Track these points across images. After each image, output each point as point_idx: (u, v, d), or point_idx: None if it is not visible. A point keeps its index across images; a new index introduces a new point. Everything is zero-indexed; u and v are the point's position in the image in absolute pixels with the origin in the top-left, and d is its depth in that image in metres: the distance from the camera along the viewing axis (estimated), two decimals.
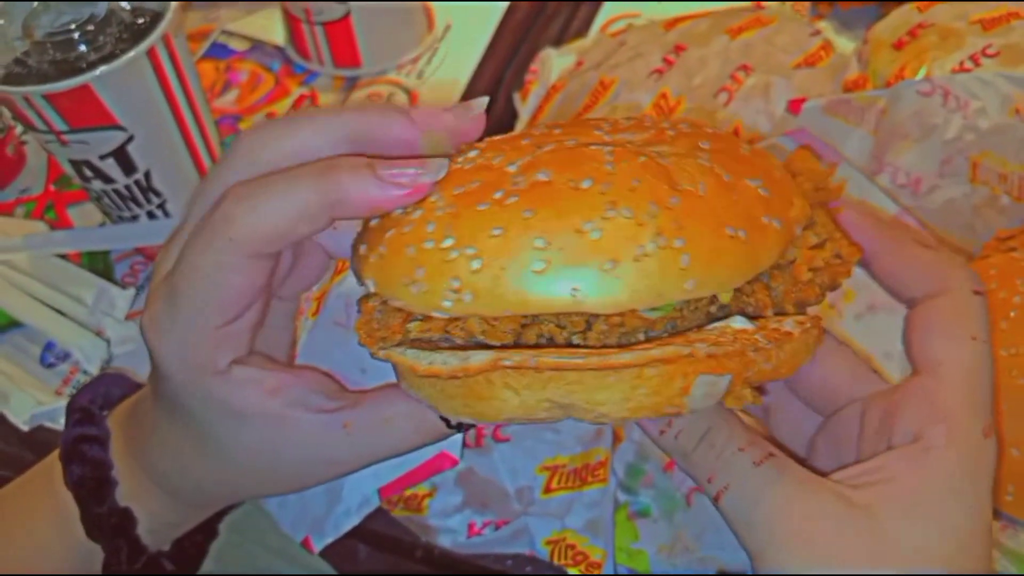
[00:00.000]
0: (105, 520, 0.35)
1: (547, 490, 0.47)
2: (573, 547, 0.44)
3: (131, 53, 0.48)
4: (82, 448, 0.36)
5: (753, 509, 0.29)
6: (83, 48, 0.49)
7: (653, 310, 0.28)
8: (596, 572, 0.44)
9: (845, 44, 0.67)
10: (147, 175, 0.54)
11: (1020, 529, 0.44)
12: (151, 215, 0.56)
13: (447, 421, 0.33)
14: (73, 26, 0.49)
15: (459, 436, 0.37)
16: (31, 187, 0.67)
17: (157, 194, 0.55)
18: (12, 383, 0.53)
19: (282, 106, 0.71)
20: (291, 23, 0.71)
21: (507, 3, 0.76)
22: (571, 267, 0.26)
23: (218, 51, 0.76)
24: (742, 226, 0.27)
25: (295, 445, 0.32)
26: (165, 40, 0.50)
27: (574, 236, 0.26)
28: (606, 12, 0.74)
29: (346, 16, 0.68)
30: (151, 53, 0.49)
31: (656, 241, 0.26)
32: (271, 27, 0.76)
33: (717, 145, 0.30)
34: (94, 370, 0.54)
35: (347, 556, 0.47)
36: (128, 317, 0.57)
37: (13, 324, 0.57)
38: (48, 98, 0.48)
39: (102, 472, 0.35)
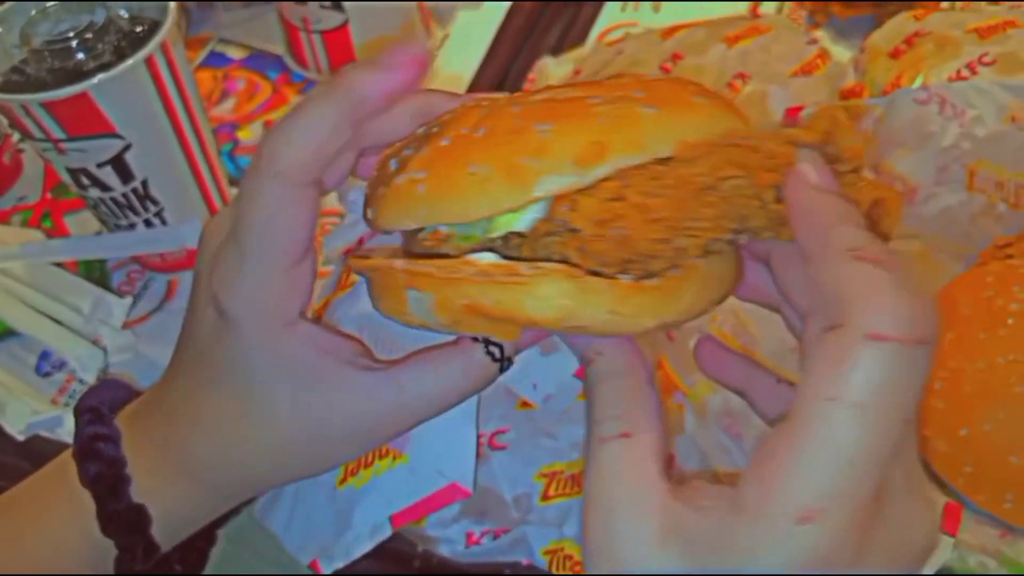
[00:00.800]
0: (122, 516, 0.36)
1: (545, 497, 0.47)
2: (571, 557, 0.44)
3: (129, 61, 0.48)
4: (97, 446, 0.36)
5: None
6: (81, 56, 0.49)
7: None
8: None
9: (842, 53, 0.67)
10: (144, 183, 0.54)
11: (1019, 537, 0.44)
12: (148, 223, 0.56)
13: (492, 355, 0.33)
14: (71, 34, 0.49)
15: (471, 467, 0.39)
16: (28, 195, 0.67)
17: (154, 202, 0.55)
18: (8, 392, 0.53)
19: (279, 115, 0.71)
20: (289, 31, 0.71)
21: (504, 12, 0.76)
22: None
23: (215, 59, 0.76)
24: (487, 164, 0.29)
25: (350, 405, 0.33)
26: (163, 48, 0.50)
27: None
28: (603, 21, 0.75)
29: (344, 24, 0.68)
30: (149, 61, 0.49)
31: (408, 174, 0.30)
32: (269, 35, 0.76)
33: (626, 92, 0.30)
34: (90, 379, 0.54)
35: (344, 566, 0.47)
36: (125, 326, 0.57)
37: (9, 333, 0.57)
38: (46, 106, 0.48)
39: (117, 469, 0.36)
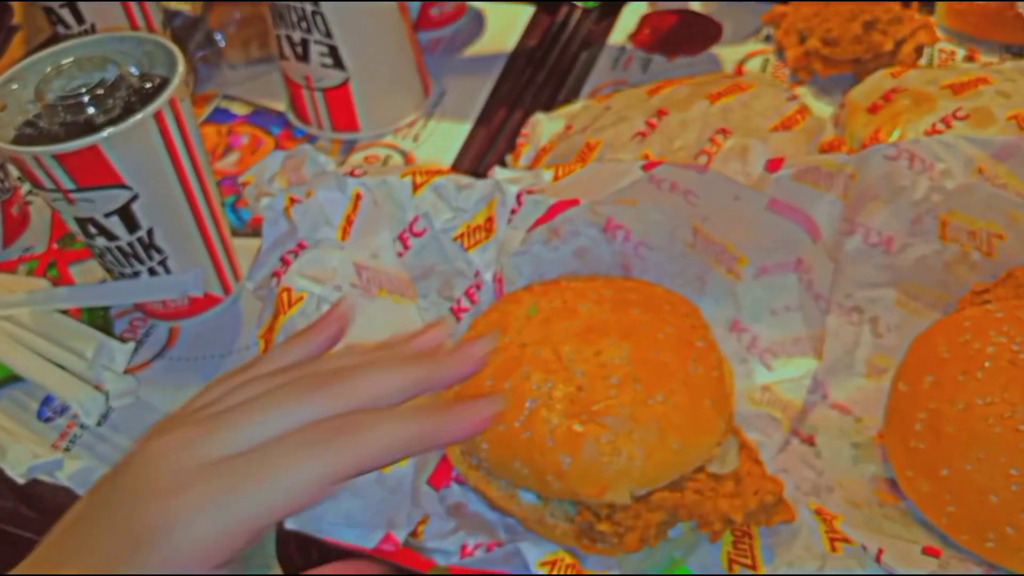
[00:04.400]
0: None
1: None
2: (574, 566, 0.45)
3: (138, 116, 0.51)
4: None
5: None
6: (92, 111, 0.52)
7: None
8: None
9: (823, 109, 0.70)
10: (150, 233, 0.56)
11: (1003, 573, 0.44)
12: (152, 271, 0.58)
13: None
14: (83, 90, 0.52)
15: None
16: (34, 246, 0.69)
17: (159, 251, 0.57)
18: (10, 436, 0.54)
19: None
20: (291, 88, 0.74)
21: (500, 72, 0.79)
22: None
23: (220, 115, 0.78)
24: None
25: None
26: (171, 104, 0.52)
27: None
28: (594, 79, 0.78)
29: (345, 83, 0.71)
30: (157, 116, 0.52)
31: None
32: (272, 93, 0.79)
33: None
34: (92, 423, 0.55)
35: None
36: (127, 371, 0.58)
37: (12, 379, 0.58)
38: (58, 158, 0.50)
39: None
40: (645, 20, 0.79)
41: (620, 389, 0.45)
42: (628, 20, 0.82)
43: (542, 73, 0.79)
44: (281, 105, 0.78)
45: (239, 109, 0.79)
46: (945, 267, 0.55)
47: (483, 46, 0.83)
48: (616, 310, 0.49)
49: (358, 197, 0.52)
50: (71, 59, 0.55)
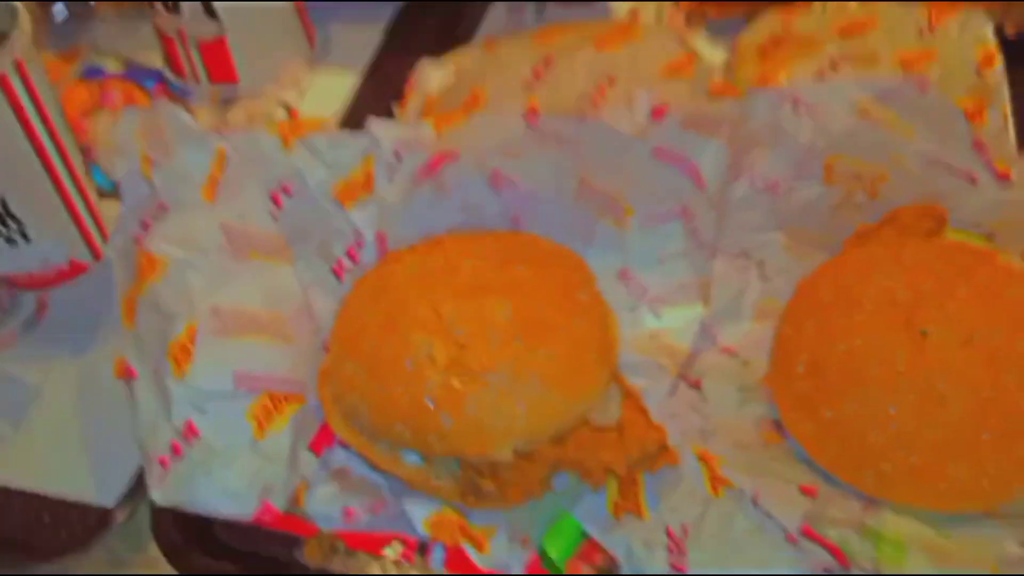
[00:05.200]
0: None
1: None
2: (460, 523, 0.44)
3: None
4: None
5: None
6: None
7: None
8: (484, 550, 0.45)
9: (718, 56, 0.69)
10: (3, 202, 0.52)
11: (881, 508, 0.45)
12: (10, 241, 0.54)
13: None
14: None
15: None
16: None
17: (16, 220, 0.53)
18: None
19: None
20: (165, 42, 0.70)
21: (389, 21, 0.76)
22: None
23: (92, 73, 0.74)
24: None
25: None
26: (17, 67, 0.48)
27: None
28: (487, 27, 0.75)
29: (220, 35, 0.67)
30: (1, 80, 0.48)
31: None
32: (148, 47, 0.74)
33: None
34: None
35: None
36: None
37: None
38: None
39: None
40: None
41: (501, 346, 0.44)
42: None
43: (433, 21, 0.76)
44: (157, 60, 0.74)
45: (112, 66, 0.74)
46: (831, 210, 0.55)
47: None
48: (499, 267, 0.48)
49: (223, 156, 0.49)
50: None
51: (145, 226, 0.47)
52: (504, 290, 0.46)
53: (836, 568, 0.40)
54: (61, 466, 0.51)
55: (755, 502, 0.43)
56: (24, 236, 0.54)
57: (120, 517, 0.49)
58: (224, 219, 0.49)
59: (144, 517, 0.49)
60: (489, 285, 0.46)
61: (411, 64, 0.72)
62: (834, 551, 0.40)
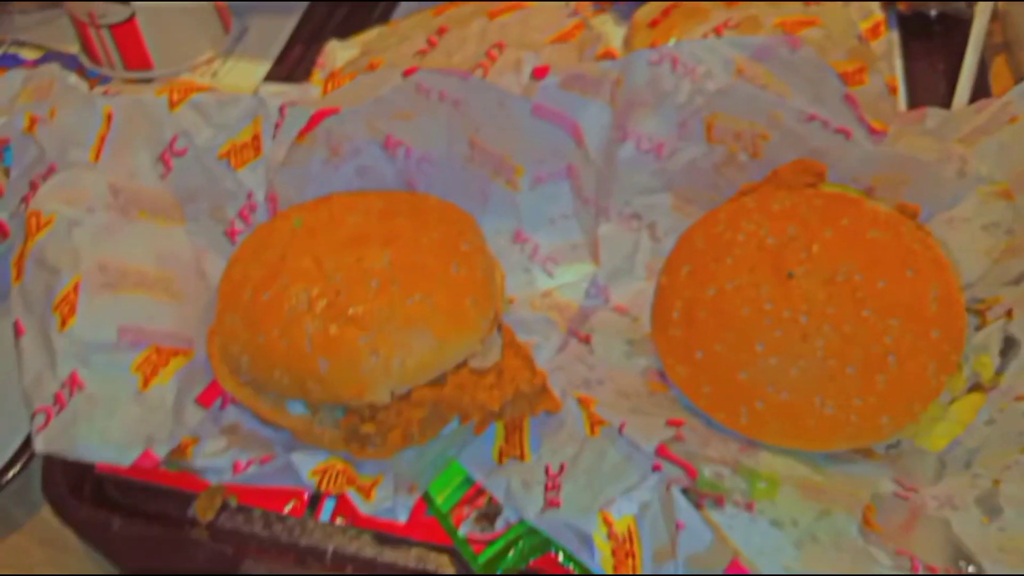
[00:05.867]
0: None
1: None
2: (345, 471, 0.45)
3: None
4: None
5: None
6: None
7: None
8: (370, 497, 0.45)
9: (619, 34, 0.70)
10: None
11: (757, 448, 0.46)
12: None
13: None
14: None
15: None
16: None
17: None
18: None
19: None
20: (79, 28, 0.71)
21: (302, 10, 0.78)
22: None
23: (8, 61, 0.75)
24: None
25: None
26: None
27: None
28: (400, 15, 0.77)
29: (131, 18, 0.69)
30: None
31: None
32: (64, 36, 0.76)
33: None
34: None
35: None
36: None
37: None
38: None
39: None
40: None
41: (379, 292, 0.45)
42: None
43: (344, 9, 0.77)
44: (74, 47, 0.75)
45: (28, 54, 0.75)
46: (714, 169, 0.57)
47: None
48: (382, 220, 0.49)
49: (109, 116, 0.50)
50: None
51: (34, 187, 0.48)
52: (384, 240, 0.47)
53: (686, 481, 0.41)
54: None
55: (620, 431, 0.44)
56: None
57: (8, 476, 0.49)
58: (112, 178, 0.50)
59: (36, 480, 0.49)
60: (369, 236, 0.47)
61: (322, 49, 0.73)
62: (686, 467, 0.42)
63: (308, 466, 0.46)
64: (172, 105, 0.51)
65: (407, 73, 0.50)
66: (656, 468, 0.43)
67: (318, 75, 0.66)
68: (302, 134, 0.52)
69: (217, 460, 0.47)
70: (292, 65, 0.73)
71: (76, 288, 0.46)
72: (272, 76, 0.72)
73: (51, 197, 0.48)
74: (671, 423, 0.44)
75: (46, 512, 0.50)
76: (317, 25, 0.76)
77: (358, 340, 0.44)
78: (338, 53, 0.67)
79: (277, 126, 0.52)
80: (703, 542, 0.39)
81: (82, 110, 0.50)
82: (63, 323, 0.46)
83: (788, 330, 0.46)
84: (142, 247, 0.50)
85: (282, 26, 0.76)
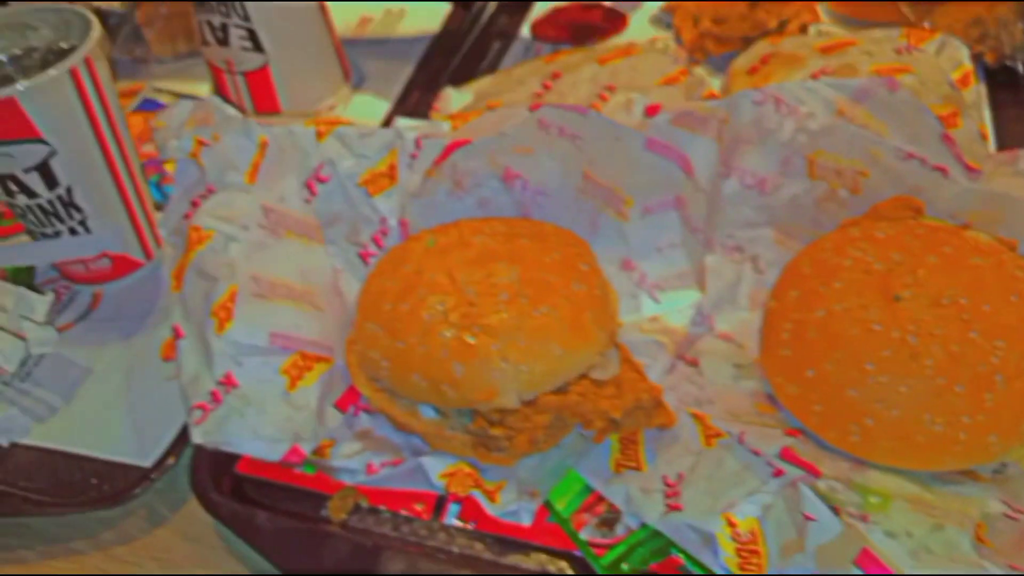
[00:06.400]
0: None
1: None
2: (472, 475, 0.48)
3: (53, 71, 0.54)
4: None
5: None
6: (11, 69, 0.55)
7: None
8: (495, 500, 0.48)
9: (716, 86, 0.75)
10: (69, 190, 0.58)
11: (868, 468, 0.48)
12: (73, 231, 0.60)
13: None
14: (2, 52, 0.55)
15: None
16: None
17: (78, 209, 0.59)
18: None
19: None
20: (215, 74, 0.78)
21: (417, 60, 0.84)
22: None
23: (147, 105, 0.82)
24: None
25: None
26: (87, 63, 0.56)
27: None
28: (512, 62, 0.82)
29: (264, 65, 0.75)
30: (73, 73, 0.55)
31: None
32: (198, 83, 0.82)
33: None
34: (12, 368, 0.57)
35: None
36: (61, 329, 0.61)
37: None
38: None
39: None
40: (552, 14, 0.85)
41: (508, 304, 0.49)
42: (538, 14, 0.87)
43: (457, 60, 0.83)
44: (205, 92, 0.82)
45: (165, 98, 0.83)
46: (816, 204, 0.60)
47: (404, 39, 0.88)
48: (507, 241, 0.53)
49: (264, 144, 0.55)
50: None
51: (194, 205, 0.53)
52: (510, 258, 0.51)
53: (811, 480, 0.43)
54: (106, 433, 0.56)
55: (740, 440, 0.46)
56: (85, 227, 0.60)
57: (157, 475, 0.53)
58: (264, 200, 0.55)
59: (181, 481, 0.53)
60: (497, 254, 0.51)
61: (437, 94, 0.79)
62: (810, 468, 0.43)
63: (437, 469, 0.49)
64: (319, 136, 0.57)
65: (533, 108, 0.55)
66: (777, 474, 0.45)
67: (435, 117, 0.71)
68: (435, 164, 0.56)
69: (351, 461, 0.50)
70: (409, 110, 0.78)
71: (233, 296, 0.51)
72: (389, 119, 0.77)
73: (211, 214, 0.53)
74: (789, 432, 0.46)
75: (189, 509, 0.54)
76: (431, 73, 0.82)
77: (490, 347, 0.48)
78: (453, 97, 0.72)
79: (413, 156, 0.57)
80: (832, 532, 0.41)
81: (240, 137, 0.55)
82: (220, 327, 0.50)
83: (897, 350, 0.48)
84: (289, 263, 0.54)
85: (398, 74, 0.82)
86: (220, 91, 0.79)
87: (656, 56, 0.66)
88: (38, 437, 0.57)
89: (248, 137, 0.56)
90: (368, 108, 0.79)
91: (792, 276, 0.54)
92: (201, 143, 0.54)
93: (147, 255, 0.65)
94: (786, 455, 0.44)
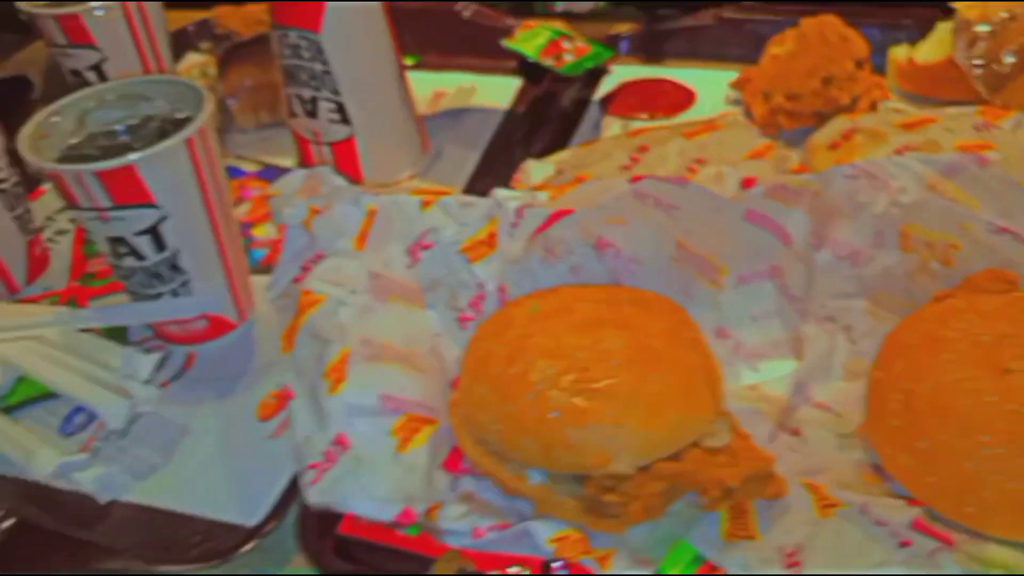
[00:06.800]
0: None
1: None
2: (580, 541, 0.47)
3: (172, 140, 0.56)
4: None
5: None
6: (128, 138, 0.57)
7: None
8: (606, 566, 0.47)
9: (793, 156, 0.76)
10: (175, 254, 0.60)
11: (983, 541, 0.47)
12: (174, 293, 0.62)
13: None
14: (120, 121, 0.57)
15: None
16: (54, 285, 0.73)
17: (182, 272, 0.61)
18: (37, 441, 0.57)
19: None
20: (300, 144, 0.80)
21: (491, 134, 0.86)
22: None
23: (232, 172, 0.84)
24: None
25: None
26: (201, 133, 0.58)
27: None
28: (578, 140, 0.84)
29: (350, 137, 0.77)
30: (188, 142, 0.57)
31: None
32: (280, 152, 0.85)
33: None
34: (119, 426, 0.58)
35: None
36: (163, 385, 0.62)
37: (34, 398, 0.61)
38: (97, 175, 0.55)
39: None
40: (621, 89, 0.87)
41: (620, 370, 0.49)
42: (608, 88, 0.89)
43: (530, 134, 0.85)
44: (288, 162, 0.84)
45: (249, 167, 0.85)
46: (908, 276, 0.60)
47: (477, 113, 0.90)
48: (611, 308, 0.54)
49: (372, 212, 0.57)
50: (110, 96, 0.60)
51: (304, 269, 0.55)
52: (617, 324, 0.52)
53: (947, 550, 0.42)
54: (206, 491, 0.56)
55: (863, 510, 0.46)
56: (187, 288, 0.62)
57: (261, 534, 0.53)
58: (371, 266, 0.56)
59: (285, 538, 0.53)
60: (603, 320, 0.52)
61: (512, 166, 0.81)
62: (944, 538, 0.43)
63: (546, 534, 0.49)
64: (424, 205, 0.58)
65: (634, 179, 0.56)
66: (904, 544, 0.44)
67: (519, 188, 0.72)
68: (538, 231, 0.57)
69: (459, 524, 0.50)
70: (487, 182, 0.80)
71: (345, 358, 0.51)
72: (467, 190, 0.79)
73: (322, 279, 0.54)
74: (912, 503, 0.46)
75: (290, 568, 0.53)
76: (505, 145, 0.84)
77: (604, 412, 0.48)
78: (535, 169, 0.74)
79: (514, 225, 0.58)
80: None
81: (350, 204, 0.57)
82: (333, 388, 0.51)
83: (1013, 422, 0.47)
84: (394, 326, 0.55)
85: (474, 146, 0.84)
86: (305, 160, 0.81)
87: (741, 131, 0.68)
88: (138, 495, 0.57)
89: (357, 205, 0.57)
90: (446, 178, 0.81)
91: (897, 346, 0.54)
92: (315, 211, 0.55)
93: (240, 316, 0.66)
94: (918, 525, 0.44)
